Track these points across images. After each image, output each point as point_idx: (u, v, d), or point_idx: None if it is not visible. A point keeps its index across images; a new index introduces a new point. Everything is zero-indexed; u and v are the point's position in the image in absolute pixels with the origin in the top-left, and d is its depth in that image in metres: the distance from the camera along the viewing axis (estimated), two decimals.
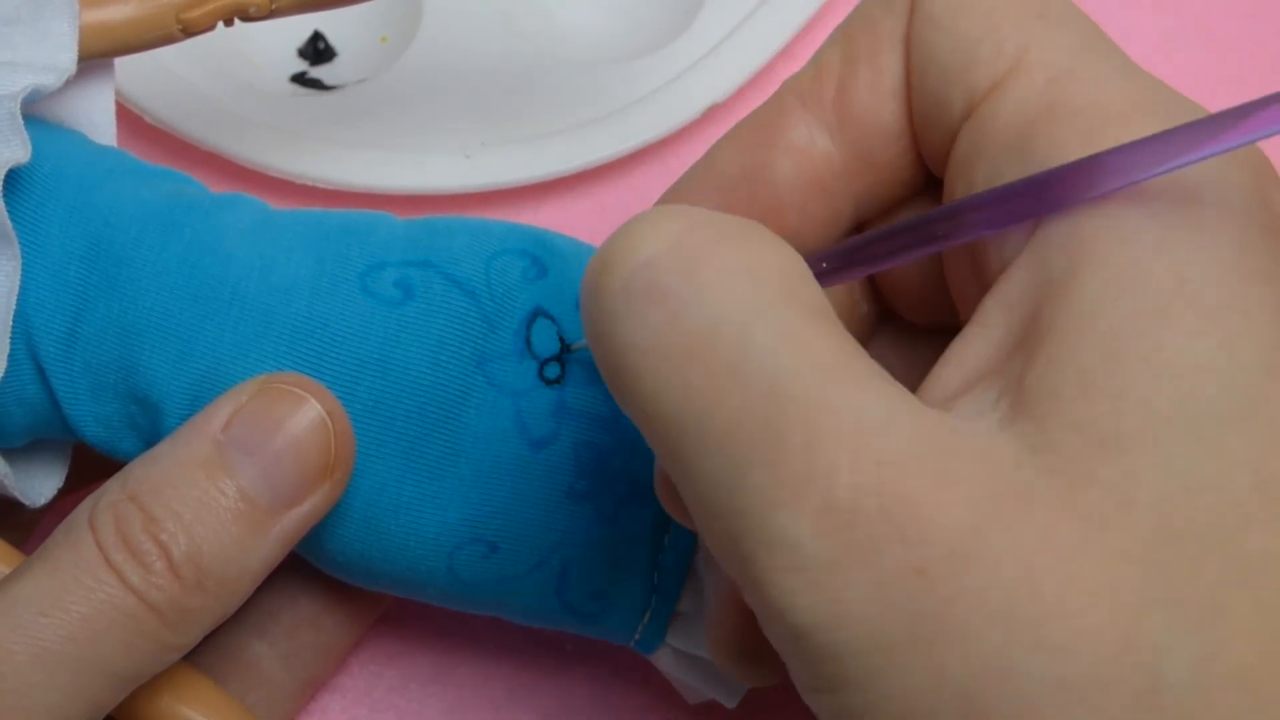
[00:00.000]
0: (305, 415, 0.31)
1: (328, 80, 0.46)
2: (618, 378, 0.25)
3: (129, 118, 0.43)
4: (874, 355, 0.25)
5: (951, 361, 0.25)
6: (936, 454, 0.23)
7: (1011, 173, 0.25)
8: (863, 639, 0.23)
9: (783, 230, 0.28)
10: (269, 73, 0.46)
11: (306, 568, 0.35)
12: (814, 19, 0.45)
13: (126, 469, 0.31)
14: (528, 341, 0.34)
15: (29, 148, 0.31)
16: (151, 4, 0.34)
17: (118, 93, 0.36)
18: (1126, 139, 0.24)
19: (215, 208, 0.33)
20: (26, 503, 0.34)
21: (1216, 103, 0.24)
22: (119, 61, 0.35)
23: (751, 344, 0.24)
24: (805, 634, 0.23)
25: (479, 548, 0.33)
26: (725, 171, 0.29)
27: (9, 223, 0.31)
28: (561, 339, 0.34)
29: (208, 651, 0.35)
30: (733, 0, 0.45)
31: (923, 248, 0.26)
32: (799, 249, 0.27)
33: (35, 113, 0.34)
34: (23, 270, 0.32)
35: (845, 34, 0.28)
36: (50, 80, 0.32)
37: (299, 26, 0.47)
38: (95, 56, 0.34)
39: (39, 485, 0.34)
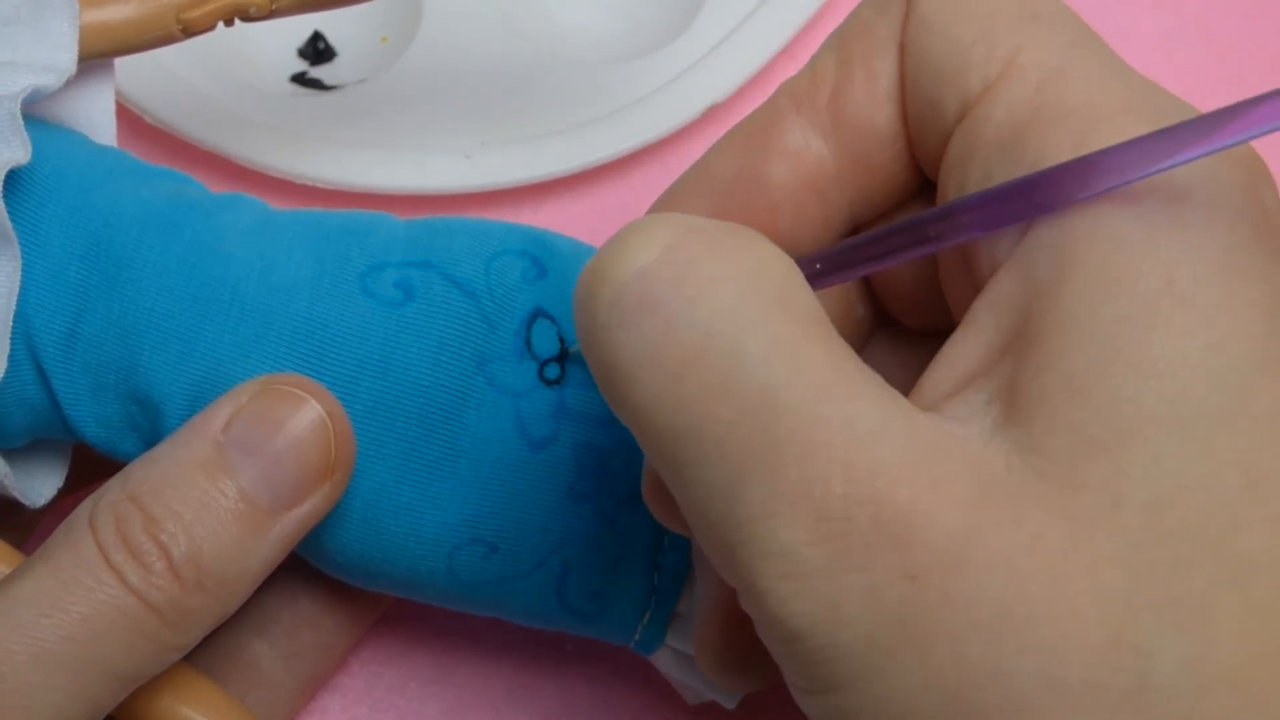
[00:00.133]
0: (305, 416, 0.31)
1: (328, 80, 0.46)
2: (612, 388, 0.25)
3: (129, 118, 0.43)
4: (870, 359, 0.25)
5: (943, 364, 0.25)
6: (928, 460, 0.23)
7: (1003, 174, 0.25)
8: (856, 642, 0.23)
9: (777, 234, 0.28)
10: (269, 73, 0.46)
11: (306, 568, 0.35)
12: (814, 19, 0.45)
13: (127, 469, 0.31)
14: (528, 342, 0.34)
15: (29, 148, 0.31)
16: (151, 4, 0.34)
17: (118, 93, 0.36)
18: (1117, 141, 0.24)
19: (215, 208, 0.33)
20: (26, 503, 0.34)
21: (1216, 103, 0.24)
22: (119, 61, 0.35)
23: (744, 355, 0.24)
24: (800, 638, 0.23)
25: (479, 548, 0.33)
26: (719, 175, 0.29)
27: (9, 223, 0.31)
28: (561, 340, 0.34)
29: (208, 651, 0.35)
30: (733, 0, 0.45)
31: (915, 249, 0.26)
32: (793, 252, 0.27)
33: (35, 113, 0.34)
34: (23, 271, 0.32)
35: (840, 38, 0.28)
36: (50, 80, 0.32)
37: (299, 26, 0.47)
38: (95, 56, 0.34)
39: (39, 485, 0.34)
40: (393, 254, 0.34)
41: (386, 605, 0.38)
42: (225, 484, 0.30)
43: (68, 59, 0.33)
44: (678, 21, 0.46)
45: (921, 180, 0.29)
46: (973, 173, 0.26)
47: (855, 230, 0.30)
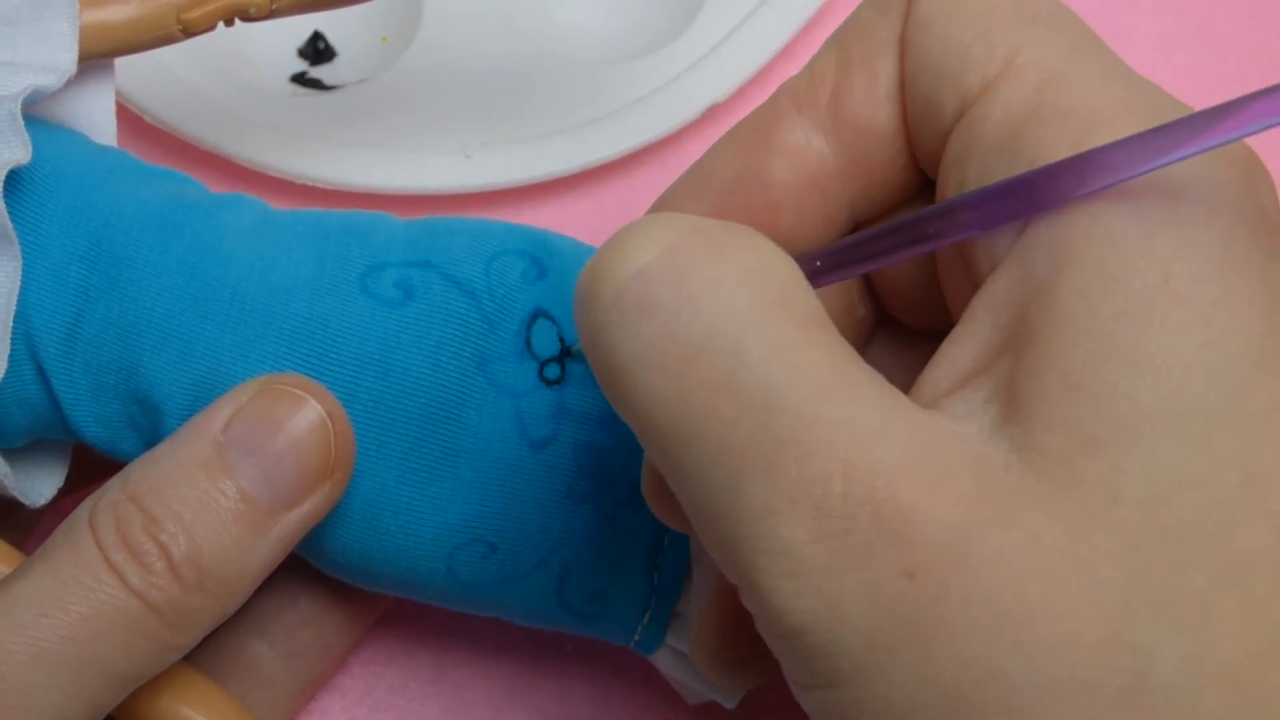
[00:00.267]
0: (305, 416, 0.31)
1: (328, 80, 0.46)
2: (613, 388, 0.25)
3: (129, 118, 0.43)
4: (871, 359, 0.25)
5: (941, 362, 0.25)
6: (928, 459, 0.23)
7: (1001, 173, 0.25)
8: (856, 639, 0.23)
9: (778, 232, 0.28)
10: (269, 73, 0.46)
11: (306, 568, 0.35)
12: (814, 19, 0.45)
13: (127, 469, 0.31)
14: (528, 342, 0.34)
15: (29, 148, 0.31)
16: (151, 4, 0.34)
17: (118, 93, 0.36)
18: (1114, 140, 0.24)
19: (215, 208, 0.33)
20: (26, 503, 0.34)
21: (1216, 103, 0.24)
22: (119, 61, 0.35)
23: (744, 355, 0.24)
24: (800, 634, 0.23)
25: (479, 548, 0.33)
26: (720, 174, 0.29)
27: (9, 223, 0.31)
28: (561, 340, 0.34)
29: (208, 651, 0.35)
30: (733, 0, 0.45)
31: (915, 247, 0.26)
32: (794, 250, 0.27)
33: (35, 113, 0.34)
34: (23, 271, 0.32)
35: (840, 39, 0.28)
36: (50, 80, 0.32)
37: (299, 26, 0.47)
38: (95, 56, 0.34)
39: (39, 485, 0.34)
40: (393, 254, 0.34)
41: (386, 605, 0.38)
42: (225, 484, 0.30)
43: (68, 59, 0.33)
44: (678, 21, 0.46)
45: (922, 179, 0.29)
46: (971, 171, 0.26)
47: (856, 229, 0.30)
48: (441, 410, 0.33)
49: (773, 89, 0.29)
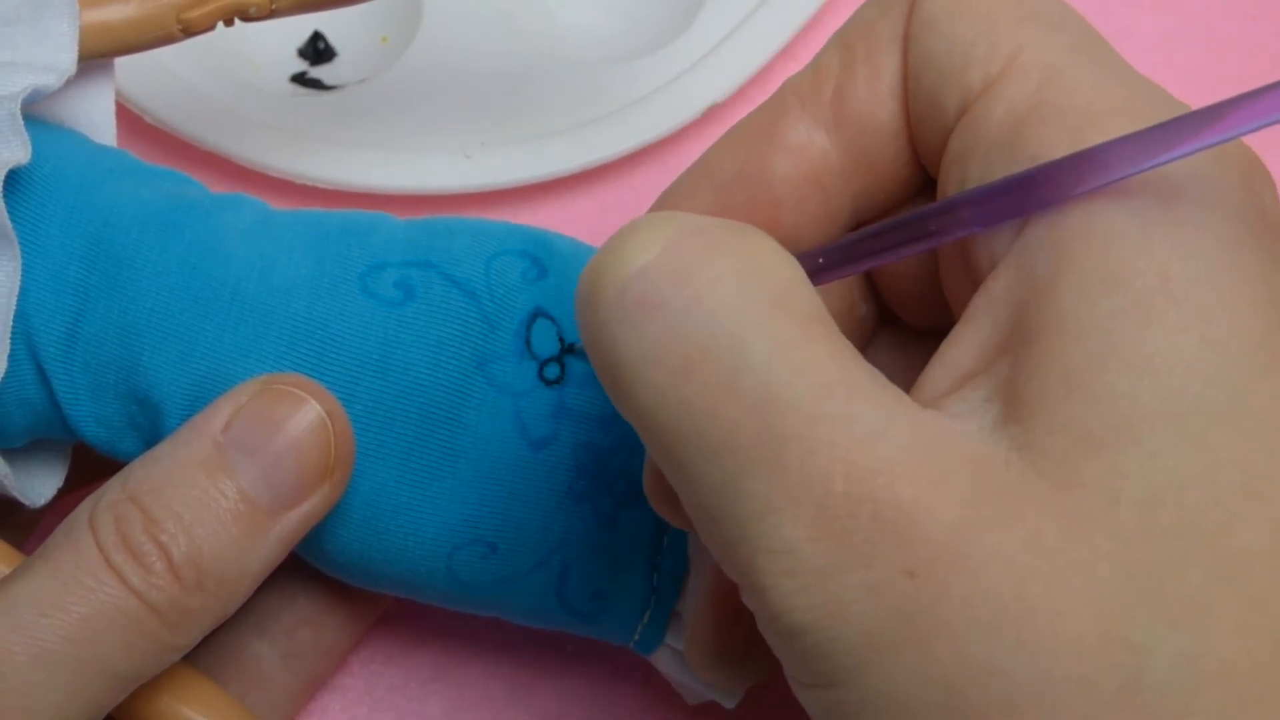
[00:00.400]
0: (305, 416, 0.31)
1: (328, 80, 0.46)
2: (615, 388, 0.25)
3: (129, 118, 0.43)
4: (872, 358, 0.25)
5: (942, 361, 0.25)
6: (929, 458, 0.23)
7: (1002, 170, 0.25)
8: (856, 638, 0.23)
9: (779, 229, 0.28)
10: (269, 73, 0.46)
11: (306, 568, 0.35)
12: (814, 19, 0.45)
13: (127, 469, 0.31)
14: (527, 342, 0.34)
15: (29, 148, 0.31)
16: (151, 4, 0.34)
17: (118, 93, 0.36)
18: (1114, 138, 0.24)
19: (215, 208, 0.33)
20: (26, 503, 0.34)
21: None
22: (119, 61, 0.35)
23: (746, 354, 0.24)
24: (801, 633, 0.24)
25: (479, 548, 0.33)
26: (722, 171, 0.29)
27: (9, 223, 0.31)
28: (561, 339, 0.34)
29: (208, 651, 0.35)
30: (733, 0, 0.45)
31: (916, 244, 0.26)
32: (795, 248, 0.27)
33: (35, 113, 0.34)
34: (23, 271, 0.32)
35: (843, 36, 0.28)
36: (50, 80, 0.32)
37: (299, 26, 0.47)
38: (95, 56, 0.34)
39: (39, 485, 0.34)
40: (393, 254, 0.34)
41: (386, 605, 0.38)
42: (225, 484, 0.30)
43: (68, 59, 0.33)
44: (678, 21, 0.46)
45: (924, 177, 0.29)
46: (972, 169, 0.26)
47: (858, 226, 0.30)
48: (441, 410, 0.33)
49: (773, 89, 0.29)
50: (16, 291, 0.31)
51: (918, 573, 0.23)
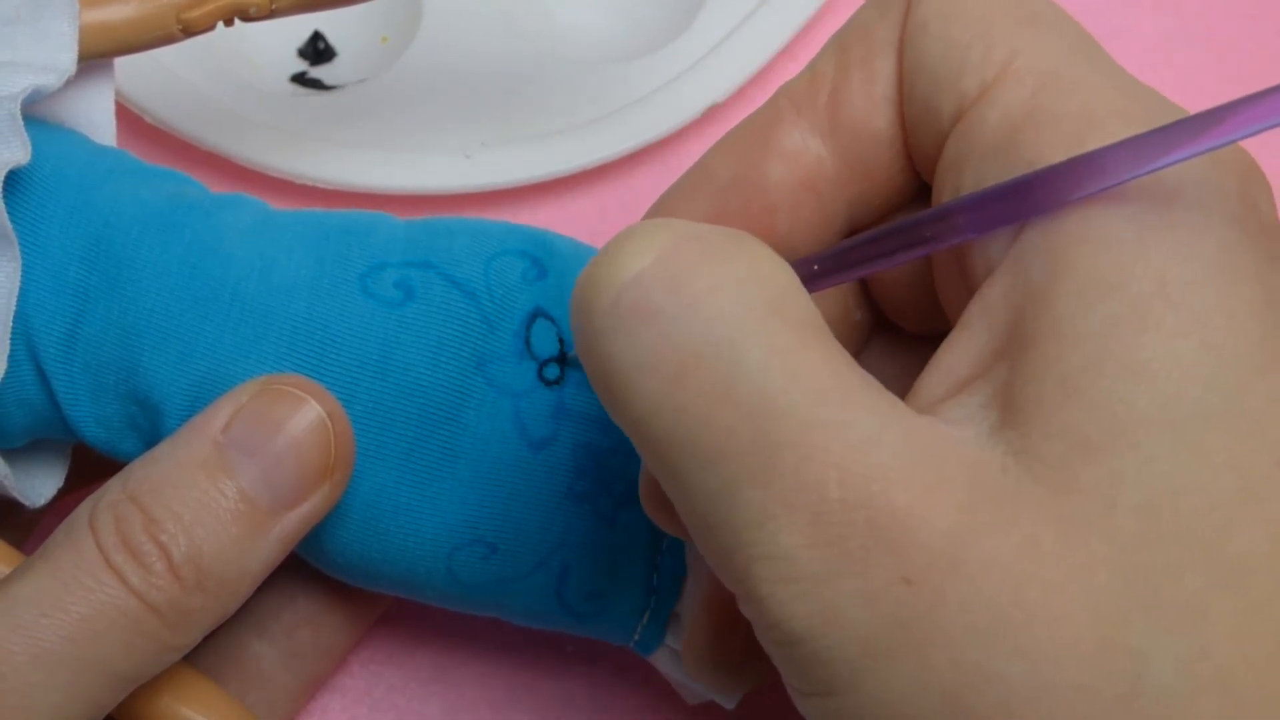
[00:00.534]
0: (305, 416, 0.31)
1: (328, 80, 0.46)
2: (610, 395, 0.25)
3: (129, 118, 0.43)
4: (868, 364, 0.25)
5: (938, 367, 0.25)
6: (924, 465, 0.23)
7: (996, 177, 0.25)
8: (853, 645, 0.23)
9: (774, 235, 0.28)
10: (269, 73, 0.46)
11: (306, 568, 0.35)
12: (814, 19, 0.45)
13: (127, 469, 0.31)
14: (527, 342, 0.34)
15: (29, 148, 0.31)
16: (151, 4, 0.34)
17: (118, 93, 0.36)
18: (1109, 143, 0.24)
19: (215, 208, 0.33)
20: (26, 503, 0.34)
21: (1216, 104, 0.24)
22: (119, 61, 0.35)
23: (741, 362, 0.24)
24: (798, 641, 0.23)
25: (478, 549, 0.33)
26: (718, 176, 0.29)
27: (9, 224, 0.31)
28: (561, 341, 0.34)
29: (208, 651, 0.35)
30: (733, 0, 0.45)
31: (911, 250, 0.26)
32: (790, 254, 0.27)
33: (35, 113, 0.34)
34: (23, 271, 0.32)
35: (840, 41, 0.28)
36: (50, 80, 0.32)
37: (299, 26, 0.47)
38: (95, 56, 0.34)
39: (39, 485, 0.34)
40: (393, 254, 0.34)
41: (386, 605, 0.38)
42: (225, 484, 0.30)
43: (68, 59, 0.33)
44: (678, 21, 0.46)
45: (919, 183, 0.29)
46: (967, 175, 0.26)
47: (853, 232, 0.30)
48: (441, 410, 0.33)
49: (773, 89, 0.29)
50: (16, 292, 0.31)
51: (914, 579, 0.23)
